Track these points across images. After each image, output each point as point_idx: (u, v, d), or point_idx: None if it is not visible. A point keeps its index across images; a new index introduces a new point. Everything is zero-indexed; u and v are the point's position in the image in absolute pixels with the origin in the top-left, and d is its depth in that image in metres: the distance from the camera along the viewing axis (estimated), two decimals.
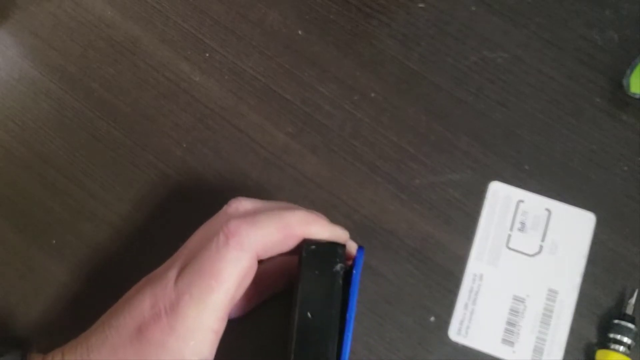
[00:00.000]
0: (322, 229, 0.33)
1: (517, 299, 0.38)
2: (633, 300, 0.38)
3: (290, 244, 0.32)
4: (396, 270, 0.40)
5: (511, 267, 0.39)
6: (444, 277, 0.39)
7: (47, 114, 0.44)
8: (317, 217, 0.33)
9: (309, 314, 0.31)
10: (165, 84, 0.44)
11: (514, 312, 0.38)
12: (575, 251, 0.39)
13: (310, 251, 0.32)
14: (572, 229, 0.39)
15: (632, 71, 0.41)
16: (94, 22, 0.46)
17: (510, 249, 0.39)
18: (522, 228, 0.39)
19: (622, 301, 0.38)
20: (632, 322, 0.37)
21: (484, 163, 0.41)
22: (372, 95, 0.43)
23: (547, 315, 0.38)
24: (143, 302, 0.31)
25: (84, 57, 0.45)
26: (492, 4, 0.44)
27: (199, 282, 0.31)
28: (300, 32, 0.45)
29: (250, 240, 0.31)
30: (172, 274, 0.32)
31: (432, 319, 0.39)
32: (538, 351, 0.38)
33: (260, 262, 0.33)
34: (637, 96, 0.41)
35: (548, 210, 0.39)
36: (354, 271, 0.32)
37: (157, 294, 0.31)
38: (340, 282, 0.31)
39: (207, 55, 0.45)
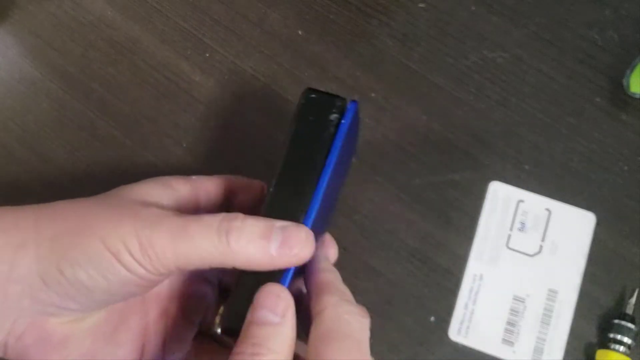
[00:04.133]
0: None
1: (517, 299, 0.38)
2: (633, 300, 0.38)
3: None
4: (396, 270, 0.40)
5: (511, 267, 0.39)
6: (444, 277, 0.39)
7: (48, 114, 0.44)
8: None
9: (292, 163, 0.32)
10: (165, 84, 0.44)
11: (514, 312, 0.38)
12: (575, 251, 0.39)
13: (309, 99, 0.33)
14: (572, 229, 0.39)
15: (632, 71, 0.41)
16: (94, 22, 0.46)
17: (510, 249, 0.39)
18: (522, 228, 0.39)
19: (622, 301, 0.38)
20: (632, 322, 0.37)
21: (484, 163, 0.41)
22: (372, 95, 0.43)
23: (547, 315, 0.38)
24: None
25: (84, 57, 0.45)
26: (492, 4, 0.44)
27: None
28: (300, 32, 0.45)
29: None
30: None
31: (432, 319, 0.39)
32: (538, 351, 0.38)
33: None
34: (637, 96, 0.41)
35: (548, 210, 0.39)
36: (343, 121, 0.32)
37: None
38: (332, 131, 0.32)
39: (207, 55, 0.45)
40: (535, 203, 0.39)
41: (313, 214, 0.31)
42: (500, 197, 0.39)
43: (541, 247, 0.39)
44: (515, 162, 0.41)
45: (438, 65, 0.43)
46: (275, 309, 0.28)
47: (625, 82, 0.41)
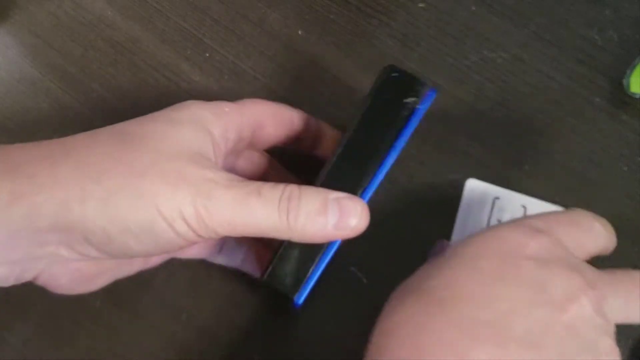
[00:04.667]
0: None
1: None
2: None
3: None
4: (396, 270, 0.40)
5: None
6: None
7: (47, 114, 0.44)
8: None
9: (360, 137, 0.32)
10: (165, 84, 0.44)
11: None
12: None
13: (390, 77, 0.33)
14: None
15: (632, 71, 0.41)
16: (94, 22, 0.46)
17: None
18: None
19: None
20: None
21: (484, 163, 0.41)
22: None
23: None
24: None
25: (84, 57, 0.45)
26: (492, 4, 0.44)
27: None
28: (300, 32, 0.45)
29: None
30: None
31: None
32: None
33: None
34: (637, 96, 0.41)
35: (524, 207, 0.38)
36: (420, 106, 0.33)
37: None
38: (407, 114, 0.33)
39: (207, 55, 0.45)
40: (511, 200, 0.39)
41: (369, 193, 0.32)
42: (477, 195, 0.39)
43: None
44: (515, 162, 0.41)
45: (438, 65, 0.43)
46: None
47: (625, 82, 0.41)
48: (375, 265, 0.39)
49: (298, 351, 0.38)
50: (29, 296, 0.40)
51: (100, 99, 0.44)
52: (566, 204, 0.40)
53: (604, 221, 0.32)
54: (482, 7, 0.44)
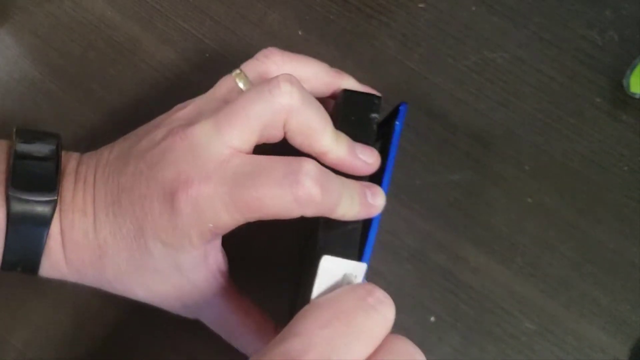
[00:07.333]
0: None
1: None
2: None
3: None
4: (396, 270, 0.40)
5: None
6: (444, 277, 0.39)
7: (47, 115, 0.44)
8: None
9: None
10: (166, 84, 0.44)
11: None
12: None
13: (348, 98, 0.35)
14: None
15: (632, 71, 0.41)
16: (94, 22, 0.46)
17: None
18: None
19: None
20: None
21: (484, 163, 0.41)
22: None
23: None
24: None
25: (84, 58, 0.45)
26: (492, 4, 0.44)
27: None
28: (300, 32, 0.45)
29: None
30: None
31: (432, 319, 0.39)
32: None
33: None
34: (637, 96, 0.41)
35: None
36: (397, 122, 0.34)
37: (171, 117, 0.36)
38: (375, 128, 0.34)
39: (207, 55, 0.45)
40: None
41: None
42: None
43: None
44: (515, 163, 0.41)
45: (438, 66, 0.43)
46: None
47: (625, 82, 0.41)
48: (375, 265, 0.40)
49: None
50: (29, 298, 0.40)
51: (100, 100, 0.44)
52: (566, 204, 0.40)
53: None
54: (482, 7, 0.44)
